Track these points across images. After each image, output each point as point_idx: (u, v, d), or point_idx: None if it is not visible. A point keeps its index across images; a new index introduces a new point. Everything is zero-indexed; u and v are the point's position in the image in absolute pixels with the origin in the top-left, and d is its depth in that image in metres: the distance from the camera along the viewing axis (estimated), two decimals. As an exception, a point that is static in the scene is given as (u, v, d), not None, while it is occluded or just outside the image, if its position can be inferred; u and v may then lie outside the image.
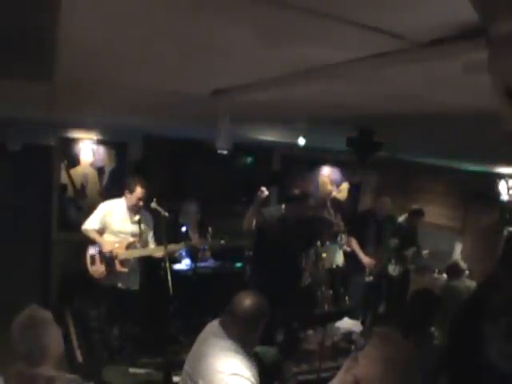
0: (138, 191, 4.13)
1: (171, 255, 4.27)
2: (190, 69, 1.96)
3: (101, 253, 4.12)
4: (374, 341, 1.50)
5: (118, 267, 4.12)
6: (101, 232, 4.19)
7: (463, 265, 5.09)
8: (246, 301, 2.07)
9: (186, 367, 2.16)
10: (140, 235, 4.18)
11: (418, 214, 5.80)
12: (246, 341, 2.04)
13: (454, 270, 5.06)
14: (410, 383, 1.45)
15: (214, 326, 2.14)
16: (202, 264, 5.29)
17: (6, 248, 5.17)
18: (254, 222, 4.26)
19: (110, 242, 4.14)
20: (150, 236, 4.39)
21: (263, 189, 4.11)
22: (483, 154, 4.17)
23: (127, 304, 4.27)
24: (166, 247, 3.95)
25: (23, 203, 5.47)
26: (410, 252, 5.72)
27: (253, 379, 1.93)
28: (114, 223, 4.19)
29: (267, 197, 4.26)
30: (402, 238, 5.56)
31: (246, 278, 5.10)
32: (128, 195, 4.17)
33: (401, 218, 5.97)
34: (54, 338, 1.98)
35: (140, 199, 4.14)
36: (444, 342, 3.05)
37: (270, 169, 6.78)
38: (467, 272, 5.10)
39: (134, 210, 4.19)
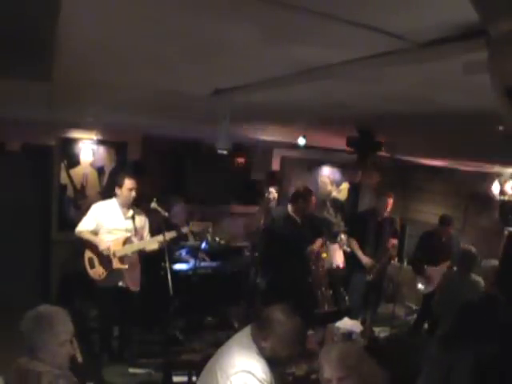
0: (127, 182, 4.14)
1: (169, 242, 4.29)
2: (191, 69, 1.96)
3: (99, 254, 4.12)
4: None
5: (117, 264, 4.11)
6: (95, 233, 4.18)
7: None
8: (278, 315, 2.01)
9: (212, 359, 2.15)
10: (135, 230, 4.18)
11: (448, 221, 5.37)
12: (273, 354, 1.98)
13: None
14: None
15: (247, 330, 2.11)
16: (202, 264, 5.28)
17: (6, 248, 5.17)
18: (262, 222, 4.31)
19: (106, 241, 4.12)
20: (146, 233, 4.38)
21: (271, 190, 4.15)
22: (483, 154, 4.17)
23: (127, 304, 4.26)
24: (164, 235, 4.01)
25: (23, 203, 5.47)
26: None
27: (265, 383, 1.94)
28: (107, 222, 4.18)
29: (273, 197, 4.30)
30: (433, 252, 5.28)
31: (251, 278, 5.09)
32: (118, 191, 4.17)
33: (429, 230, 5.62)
34: (53, 336, 1.99)
35: (130, 189, 4.14)
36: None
37: (270, 169, 6.78)
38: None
39: (126, 204, 4.19)
